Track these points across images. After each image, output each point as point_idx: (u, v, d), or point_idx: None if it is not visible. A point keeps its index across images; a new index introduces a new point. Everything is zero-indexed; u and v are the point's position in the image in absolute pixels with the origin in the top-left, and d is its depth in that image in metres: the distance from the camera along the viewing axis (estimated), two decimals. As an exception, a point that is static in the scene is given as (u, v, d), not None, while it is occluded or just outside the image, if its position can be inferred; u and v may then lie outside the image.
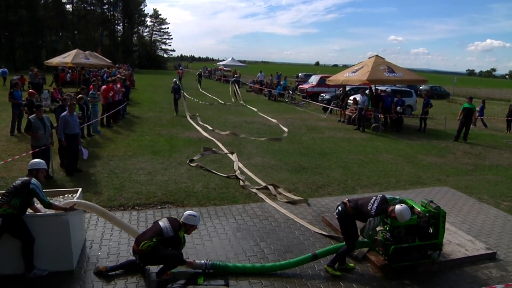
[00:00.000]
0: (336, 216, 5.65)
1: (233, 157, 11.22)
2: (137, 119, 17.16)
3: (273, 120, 18.63)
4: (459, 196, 9.17)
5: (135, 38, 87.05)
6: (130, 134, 13.96)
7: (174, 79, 21.25)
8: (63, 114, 9.28)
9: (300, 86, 31.47)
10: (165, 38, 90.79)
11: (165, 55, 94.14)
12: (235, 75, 37.89)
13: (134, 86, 30.41)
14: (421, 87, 37.21)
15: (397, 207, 5.23)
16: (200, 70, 52.13)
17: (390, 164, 11.72)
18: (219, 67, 54.38)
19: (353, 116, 18.53)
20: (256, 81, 37.74)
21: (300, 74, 45.88)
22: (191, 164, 10.34)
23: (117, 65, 40.56)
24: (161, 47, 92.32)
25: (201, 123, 16.77)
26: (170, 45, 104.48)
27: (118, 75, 23.08)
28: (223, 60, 59.52)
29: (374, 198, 5.48)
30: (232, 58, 53.75)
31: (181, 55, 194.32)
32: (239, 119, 18.72)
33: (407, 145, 14.80)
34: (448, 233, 6.67)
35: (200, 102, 24.76)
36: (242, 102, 25.63)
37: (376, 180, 9.93)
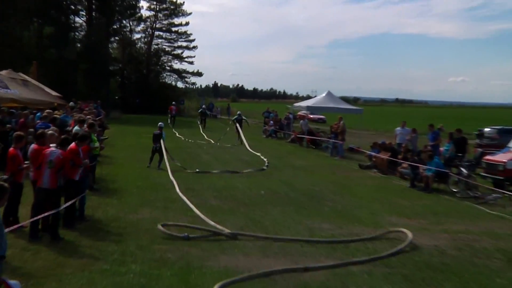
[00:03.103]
0: None
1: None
2: (115, 223, 11.21)
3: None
4: None
5: (116, 44, 56.33)
6: (98, 260, 8.58)
7: (160, 124, 19.46)
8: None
9: (489, 157, 19.08)
10: (180, 47, 59.34)
11: (182, 84, 63.15)
12: (238, 113, 32.43)
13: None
14: None
15: None
16: (204, 106, 43.02)
17: None
18: (300, 113, 39.61)
19: None
20: (387, 144, 23.48)
21: (486, 130, 28.38)
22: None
23: (70, 103, 24.25)
24: (170, 66, 59.79)
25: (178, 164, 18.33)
26: (190, 62, 60.69)
27: (76, 125, 14.25)
28: (308, 98, 43.46)
29: None
30: (328, 93, 33.56)
31: (216, 83, 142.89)
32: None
33: None
34: None
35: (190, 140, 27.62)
36: (246, 145, 25.29)
37: None
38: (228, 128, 33.56)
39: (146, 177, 16.89)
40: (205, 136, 31.40)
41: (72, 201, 9.90)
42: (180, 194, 13.67)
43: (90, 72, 46.33)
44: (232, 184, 16.21)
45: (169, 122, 38.27)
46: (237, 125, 29.59)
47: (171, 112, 40.59)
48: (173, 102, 43.22)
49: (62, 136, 10.39)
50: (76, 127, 13.52)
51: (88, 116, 16.73)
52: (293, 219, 12.44)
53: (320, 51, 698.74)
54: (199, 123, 39.07)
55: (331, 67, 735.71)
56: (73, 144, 10.16)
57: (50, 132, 10.79)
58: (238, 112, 33.65)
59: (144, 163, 19.24)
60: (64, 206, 9.68)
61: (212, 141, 29.49)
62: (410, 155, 19.94)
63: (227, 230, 10.17)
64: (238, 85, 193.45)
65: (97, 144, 13.11)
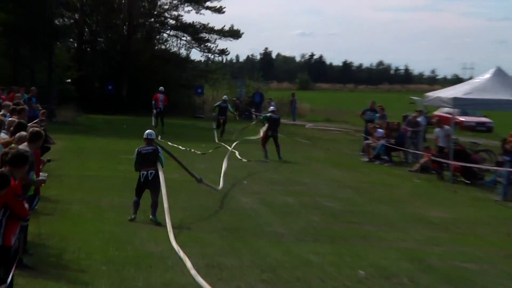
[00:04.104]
0: None
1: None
2: None
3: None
4: None
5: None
6: None
7: (148, 132, 10.20)
8: None
9: None
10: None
11: (200, 55, 39.14)
12: (271, 107, 20.31)
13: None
14: None
15: None
16: (225, 97, 25.92)
17: None
18: (438, 112, 25.26)
19: None
20: None
21: None
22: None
23: None
24: (177, 19, 33.91)
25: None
26: (218, 10, 34.12)
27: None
28: (457, 82, 27.13)
29: None
30: (497, 72, 17.63)
31: (267, 52, 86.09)
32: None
33: None
34: None
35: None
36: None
37: None
38: (253, 122, 25.25)
39: (127, 242, 8.90)
40: (237, 154, 18.28)
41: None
42: (195, 275, 7.11)
43: (16, 32, 24.94)
44: (299, 256, 8.51)
45: (153, 123, 23.34)
46: (270, 127, 18.13)
47: (157, 103, 24.38)
48: (161, 88, 25.25)
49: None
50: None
51: (12, 118, 9.25)
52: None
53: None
54: (214, 127, 24.28)
55: (503, 18, 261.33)
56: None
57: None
58: (272, 104, 22.20)
59: (123, 212, 10.54)
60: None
61: (224, 146, 19.14)
62: None
63: None
64: (312, 56, 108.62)
65: (45, 175, 7.53)
